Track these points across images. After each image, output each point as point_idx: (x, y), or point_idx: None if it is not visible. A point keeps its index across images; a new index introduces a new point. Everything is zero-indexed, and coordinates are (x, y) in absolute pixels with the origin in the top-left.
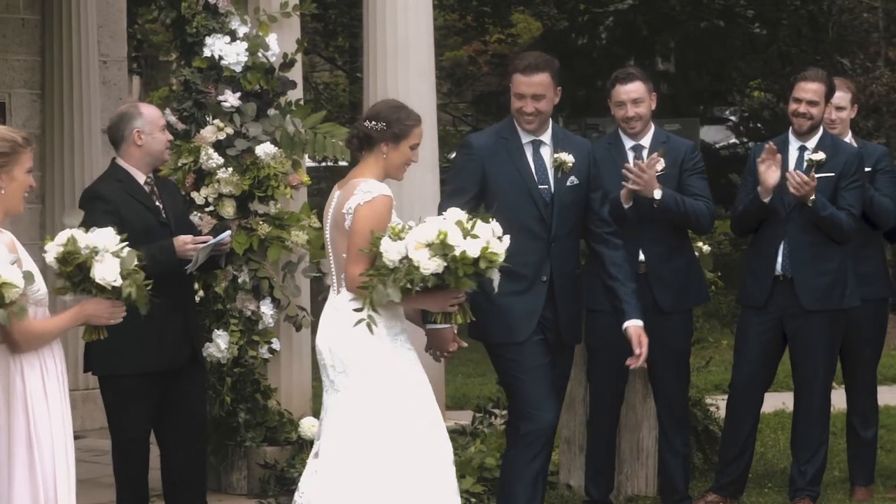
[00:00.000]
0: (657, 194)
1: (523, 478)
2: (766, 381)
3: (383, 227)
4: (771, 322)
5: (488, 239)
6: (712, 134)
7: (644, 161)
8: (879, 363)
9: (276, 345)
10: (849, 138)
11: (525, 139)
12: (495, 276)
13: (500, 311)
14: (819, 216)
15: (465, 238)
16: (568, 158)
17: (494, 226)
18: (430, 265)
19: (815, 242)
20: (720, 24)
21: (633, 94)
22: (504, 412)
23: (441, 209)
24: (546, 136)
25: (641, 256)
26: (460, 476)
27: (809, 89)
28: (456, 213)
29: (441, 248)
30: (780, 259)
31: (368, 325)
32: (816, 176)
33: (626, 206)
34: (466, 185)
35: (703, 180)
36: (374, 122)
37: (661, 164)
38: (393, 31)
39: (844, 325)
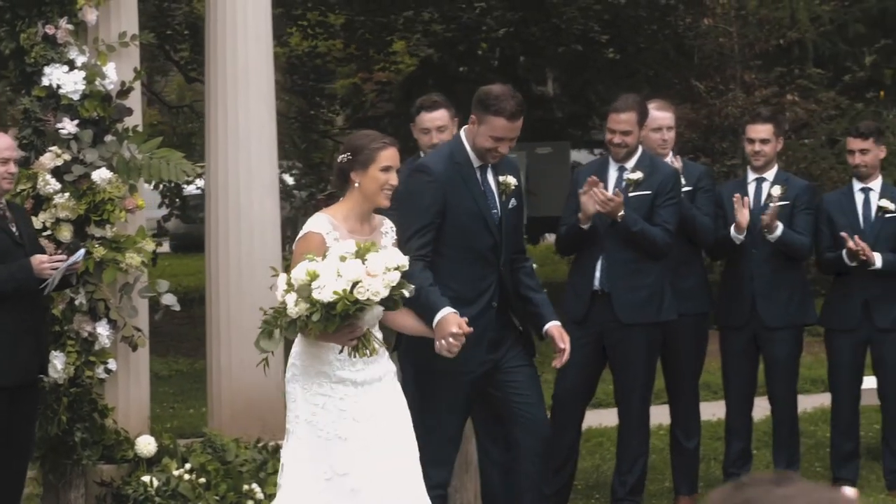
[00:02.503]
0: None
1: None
2: (587, 394)
3: None
4: (591, 336)
5: (353, 279)
6: (583, 157)
7: None
8: (701, 376)
9: (112, 365)
10: (669, 158)
11: (476, 164)
12: (373, 313)
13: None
14: (630, 231)
15: (337, 276)
16: (511, 181)
17: (388, 258)
18: (294, 309)
19: (631, 258)
20: (578, 48)
21: (437, 121)
22: None
23: (405, 243)
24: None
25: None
26: None
27: (622, 120)
28: (344, 247)
29: (306, 291)
30: (597, 274)
31: (264, 364)
32: (633, 194)
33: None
34: (432, 216)
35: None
36: (343, 156)
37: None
38: (233, 57)
39: (661, 338)
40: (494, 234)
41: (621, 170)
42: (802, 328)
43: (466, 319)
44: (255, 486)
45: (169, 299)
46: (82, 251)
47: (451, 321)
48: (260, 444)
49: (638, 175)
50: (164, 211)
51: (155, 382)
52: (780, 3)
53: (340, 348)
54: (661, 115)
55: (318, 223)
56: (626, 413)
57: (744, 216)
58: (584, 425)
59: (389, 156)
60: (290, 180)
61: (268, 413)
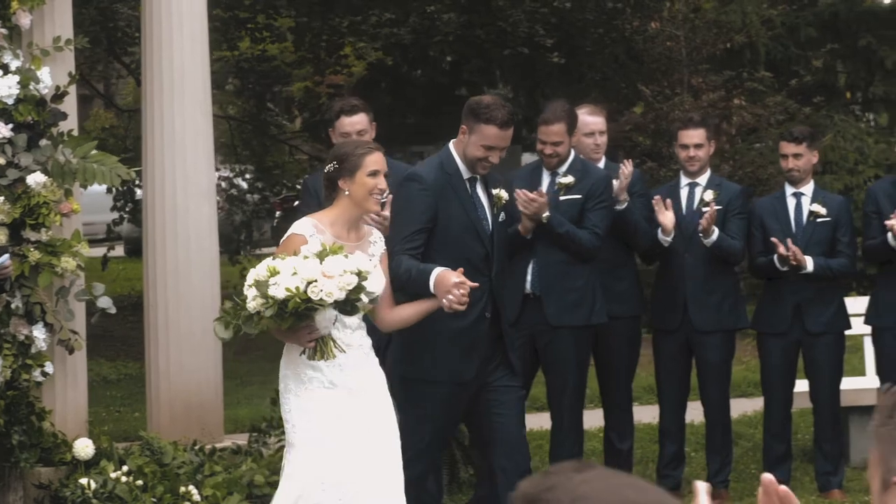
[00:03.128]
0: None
1: None
2: None
3: None
4: (523, 339)
5: (308, 278)
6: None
7: None
8: (635, 379)
9: (49, 368)
10: (602, 163)
11: (465, 175)
12: (325, 315)
13: (442, 349)
14: (555, 233)
15: (293, 274)
16: (504, 194)
17: (349, 262)
18: (252, 304)
19: (561, 261)
20: (524, 51)
21: (357, 125)
22: (279, 432)
23: (396, 251)
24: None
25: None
26: (227, 493)
27: (553, 132)
28: (311, 246)
29: (264, 286)
30: (528, 277)
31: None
32: (563, 198)
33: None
34: (424, 221)
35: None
36: (329, 165)
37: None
38: (169, 63)
39: (592, 341)
40: (486, 245)
41: (554, 174)
42: (734, 332)
43: (462, 269)
44: (191, 487)
45: (104, 302)
46: (7, 255)
47: (447, 275)
48: (196, 447)
49: (569, 179)
50: (117, 214)
51: (104, 386)
52: (731, 6)
53: (302, 350)
54: (592, 119)
55: (302, 226)
56: (558, 415)
57: (666, 218)
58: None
59: (376, 160)
60: (244, 185)
61: (207, 416)
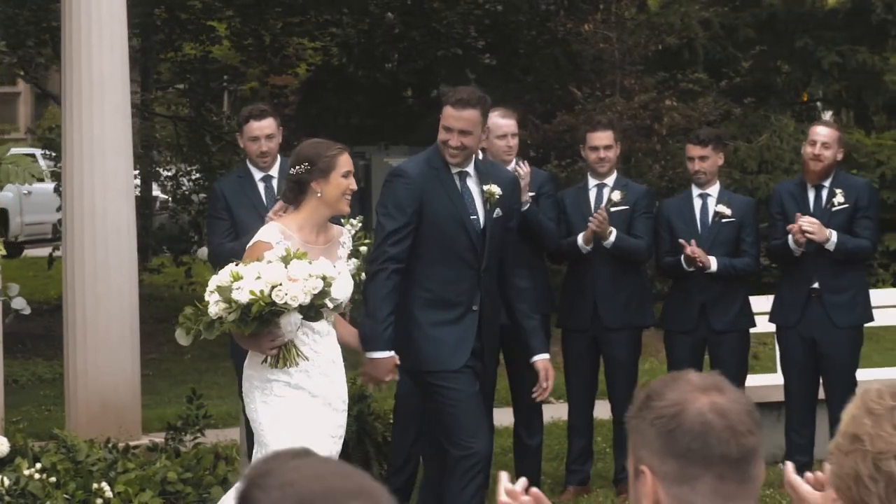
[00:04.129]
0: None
1: None
2: None
3: None
4: None
5: (273, 282)
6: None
7: None
8: None
9: None
10: (512, 165)
11: (454, 170)
12: (290, 319)
13: (433, 340)
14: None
15: (257, 278)
16: (496, 190)
17: (314, 266)
18: (213, 309)
19: None
20: (458, 52)
21: (266, 129)
22: (195, 430)
23: (378, 246)
24: (470, 168)
25: None
26: (140, 489)
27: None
28: (276, 252)
29: (226, 291)
30: None
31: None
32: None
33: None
34: (408, 217)
35: None
36: (299, 167)
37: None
38: (88, 66)
39: (499, 340)
40: (473, 239)
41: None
42: (641, 330)
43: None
44: (104, 484)
45: (18, 303)
46: None
47: (387, 364)
48: (110, 444)
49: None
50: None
51: (39, 385)
52: (671, 7)
53: (264, 358)
54: (505, 122)
55: (268, 232)
56: None
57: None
58: None
59: (347, 161)
60: (189, 185)
61: (125, 414)
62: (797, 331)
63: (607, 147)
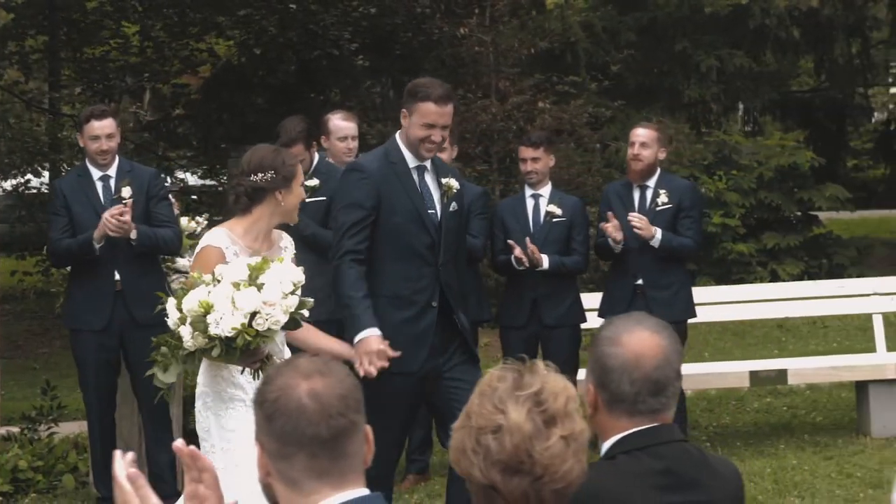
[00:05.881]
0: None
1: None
2: None
3: None
4: None
5: (251, 311)
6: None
7: None
8: None
9: None
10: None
11: (412, 164)
12: (276, 339)
13: (393, 342)
14: (302, 235)
15: (234, 309)
16: (454, 184)
17: (283, 280)
18: (190, 342)
19: None
20: (334, 52)
21: (106, 129)
22: (50, 420)
23: (338, 241)
24: (428, 162)
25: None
26: None
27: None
28: (235, 270)
29: (202, 325)
30: None
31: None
32: (310, 200)
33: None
34: (366, 211)
35: (168, 207)
36: (261, 174)
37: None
38: None
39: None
40: (432, 234)
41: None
42: (478, 325)
43: (388, 346)
44: None
45: None
46: None
47: (374, 340)
48: None
49: (314, 182)
50: None
51: None
52: (553, 12)
53: (242, 369)
54: (346, 125)
55: (217, 237)
56: None
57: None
58: None
59: (301, 171)
60: None
61: None
62: None
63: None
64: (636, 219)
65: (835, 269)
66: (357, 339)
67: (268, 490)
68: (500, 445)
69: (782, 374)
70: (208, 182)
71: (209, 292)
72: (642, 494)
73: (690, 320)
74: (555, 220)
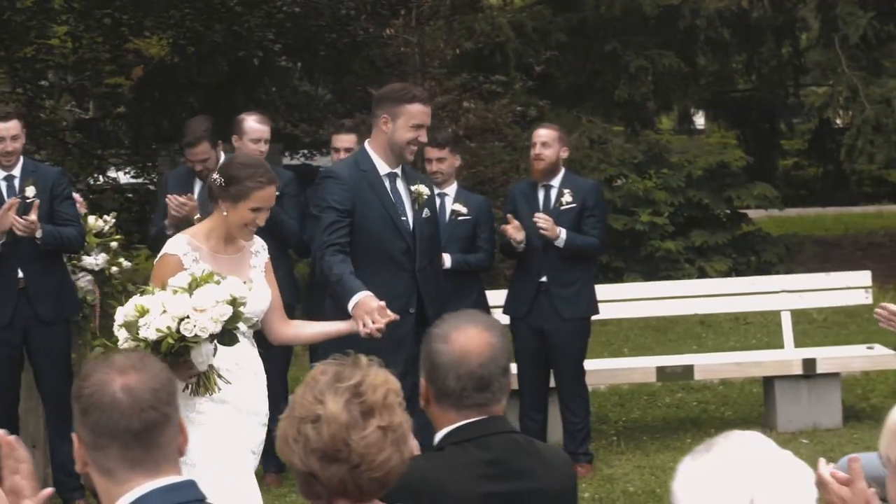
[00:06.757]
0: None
1: None
2: None
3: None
4: None
5: (179, 315)
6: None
7: None
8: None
9: None
10: None
11: (383, 171)
12: (202, 350)
13: (366, 346)
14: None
15: (162, 312)
16: (424, 190)
17: (221, 291)
18: (124, 347)
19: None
20: (259, 54)
21: (11, 130)
22: None
23: (319, 237)
24: (398, 169)
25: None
26: None
27: (197, 152)
28: (179, 279)
29: (133, 328)
30: None
31: None
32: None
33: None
34: (345, 210)
35: (72, 206)
36: (217, 178)
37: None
38: None
39: None
40: (406, 239)
41: (204, 180)
42: None
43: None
44: None
45: None
46: None
47: (370, 300)
48: None
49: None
50: None
51: None
52: (482, 13)
53: (185, 386)
54: (260, 127)
55: (175, 244)
56: None
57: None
58: None
59: (264, 197)
60: None
61: None
62: (527, 322)
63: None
64: (541, 219)
65: (762, 266)
66: (351, 304)
67: (87, 479)
68: (319, 434)
69: (688, 369)
70: (140, 181)
71: (150, 298)
72: (468, 484)
73: (611, 316)
74: (460, 218)
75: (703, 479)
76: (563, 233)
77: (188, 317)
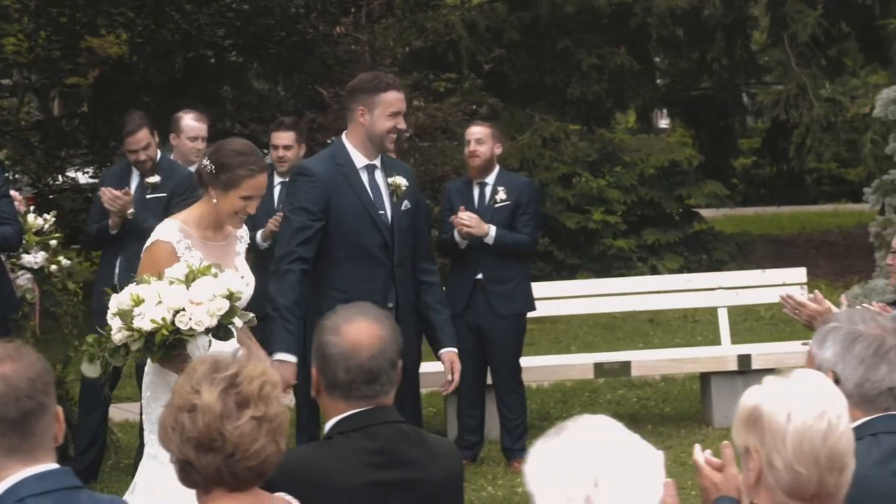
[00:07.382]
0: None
1: None
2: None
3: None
4: None
5: (175, 307)
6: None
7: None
8: None
9: None
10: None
11: (360, 164)
12: (198, 343)
13: None
14: (139, 228)
15: (158, 303)
16: (402, 182)
17: (218, 284)
18: (117, 336)
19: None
20: (208, 53)
21: None
22: None
23: (286, 245)
24: (377, 161)
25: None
26: None
27: (139, 139)
28: (176, 270)
29: (128, 317)
30: (117, 272)
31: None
32: (150, 196)
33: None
34: (315, 215)
35: (10, 204)
36: (208, 164)
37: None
38: None
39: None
40: (384, 233)
41: (142, 176)
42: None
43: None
44: None
45: None
46: None
47: (288, 373)
48: None
49: (156, 179)
50: None
51: None
52: (435, 11)
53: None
54: (197, 125)
55: (167, 231)
56: None
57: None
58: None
59: (256, 185)
60: None
61: None
62: (464, 319)
63: (287, 147)
64: (467, 218)
65: (714, 264)
66: (278, 357)
67: None
68: (194, 423)
69: (626, 366)
70: (97, 181)
71: (146, 287)
72: (355, 472)
73: (562, 313)
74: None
75: (549, 461)
76: (492, 230)
77: (184, 309)
